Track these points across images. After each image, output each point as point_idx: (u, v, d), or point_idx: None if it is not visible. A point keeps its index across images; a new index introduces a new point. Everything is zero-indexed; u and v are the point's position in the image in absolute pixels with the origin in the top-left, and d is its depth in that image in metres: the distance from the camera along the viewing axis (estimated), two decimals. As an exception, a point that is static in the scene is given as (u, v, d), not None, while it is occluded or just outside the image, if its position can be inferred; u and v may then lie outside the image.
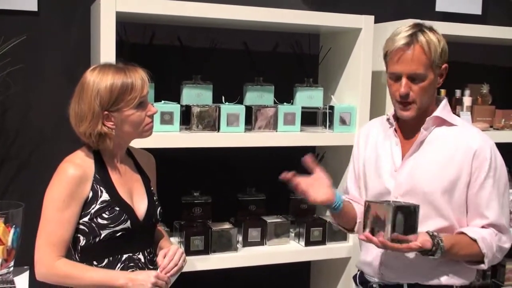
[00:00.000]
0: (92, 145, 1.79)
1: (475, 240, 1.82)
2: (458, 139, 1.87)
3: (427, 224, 1.85)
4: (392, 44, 1.84)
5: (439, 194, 1.85)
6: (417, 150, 1.90)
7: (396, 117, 1.96)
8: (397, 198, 1.90)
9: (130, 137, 1.83)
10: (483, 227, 1.87)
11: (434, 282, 1.89)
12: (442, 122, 1.90)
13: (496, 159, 1.86)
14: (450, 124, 1.90)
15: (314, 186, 1.86)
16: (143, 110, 1.78)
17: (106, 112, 1.73)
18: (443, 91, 2.68)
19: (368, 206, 1.80)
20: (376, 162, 1.98)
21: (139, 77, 1.76)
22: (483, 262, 1.85)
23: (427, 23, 1.89)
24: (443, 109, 1.91)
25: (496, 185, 1.86)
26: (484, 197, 1.85)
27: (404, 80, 1.82)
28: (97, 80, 1.72)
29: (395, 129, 1.96)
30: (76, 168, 1.75)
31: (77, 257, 1.80)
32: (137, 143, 1.95)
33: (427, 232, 1.80)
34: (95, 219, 1.76)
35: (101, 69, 1.75)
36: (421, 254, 1.81)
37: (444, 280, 1.89)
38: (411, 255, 1.86)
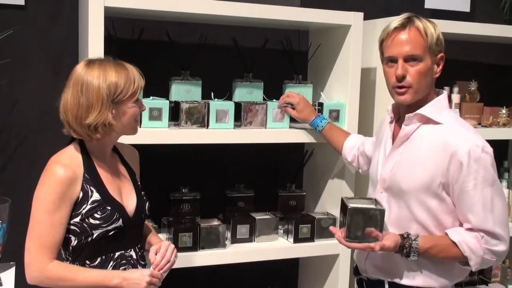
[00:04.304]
0: (94, 137, 1.72)
1: (455, 243, 1.78)
2: (438, 139, 1.79)
3: (402, 227, 1.86)
4: (387, 29, 1.83)
5: (413, 195, 1.82)
6: (399, 146, 1.88)
7: (395, 111, 1.96)
8: (382, 193, 1.91)
9: (123, 131, 1.80)
10: (470, 229, 1.80)
11: (414, 282, 1.87)
12: (428, 119, 1.84)
13: (479, 161, 1.74)
14: (436, 123, 1.83)
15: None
16: (139, 105, 1.79)
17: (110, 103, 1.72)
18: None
19: (341, 202, 1.87)
20: (374, 152, 2.04)
21: (136, 72, 1.76)
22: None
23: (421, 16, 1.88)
24: (431, 106, 1.84)
25: (479, 188, 1.75)
26: (465, 201, 1.77)
27: (400, 62, 1.79)
28: (102, 71, 1.70)
29: (390, 122, 1.96)
30: (65, 169, 1.71)
31: (68, 257, 1.78)
32: (125, 140, 1.93)
33: (402, 234, 1.80)
34: (86, 219, 1.73)
35: (101, 63, 1.73)
36: (400, 255, 1.82)
37: (425, 281, 1.87)
38: (387, 253, 1.85)
